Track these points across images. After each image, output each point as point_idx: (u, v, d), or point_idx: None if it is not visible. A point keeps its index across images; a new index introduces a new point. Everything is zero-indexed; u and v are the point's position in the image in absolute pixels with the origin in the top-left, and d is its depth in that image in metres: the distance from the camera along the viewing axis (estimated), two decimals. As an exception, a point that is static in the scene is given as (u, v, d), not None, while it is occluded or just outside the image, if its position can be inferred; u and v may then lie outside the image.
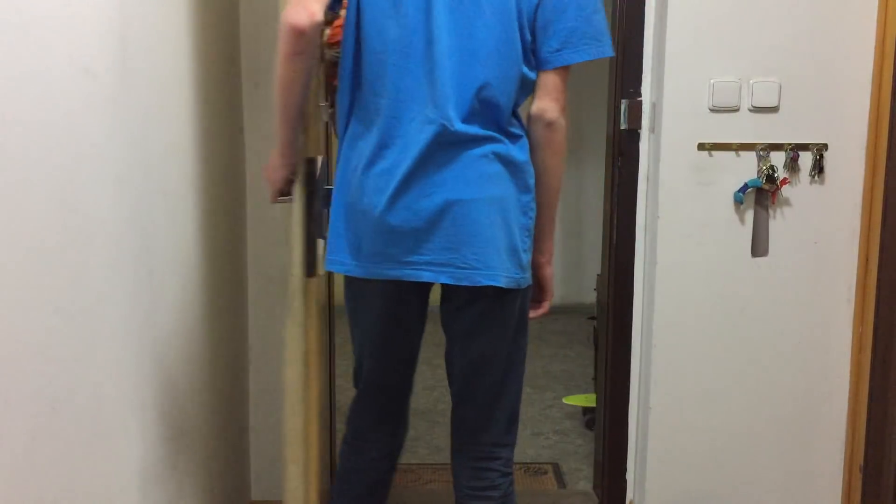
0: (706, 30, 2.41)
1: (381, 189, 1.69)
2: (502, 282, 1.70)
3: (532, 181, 1.76)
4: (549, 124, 1.73)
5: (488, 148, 1.70)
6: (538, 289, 1.90)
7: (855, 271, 2.52)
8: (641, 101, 2.53)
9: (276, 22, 1.64)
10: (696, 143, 2.45)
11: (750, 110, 2.43)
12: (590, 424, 3.42)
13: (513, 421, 1.87)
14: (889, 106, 2.36)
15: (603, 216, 2.75)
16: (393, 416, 1.95)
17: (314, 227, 1.75)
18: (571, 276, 4.96)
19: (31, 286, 1.24)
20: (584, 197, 4.81)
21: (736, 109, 2.43)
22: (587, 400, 3.56)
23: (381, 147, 1.70)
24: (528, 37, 1.70)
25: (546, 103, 1.73)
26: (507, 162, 1.72)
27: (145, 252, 1.72)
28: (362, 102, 1.74)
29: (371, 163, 1.71)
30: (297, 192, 1.72)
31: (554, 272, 1.93)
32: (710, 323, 2.54)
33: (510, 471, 1.88)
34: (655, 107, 2.49)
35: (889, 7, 2.35)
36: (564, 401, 3.70)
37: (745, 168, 2.46)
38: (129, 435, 1.63)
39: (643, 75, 2.52)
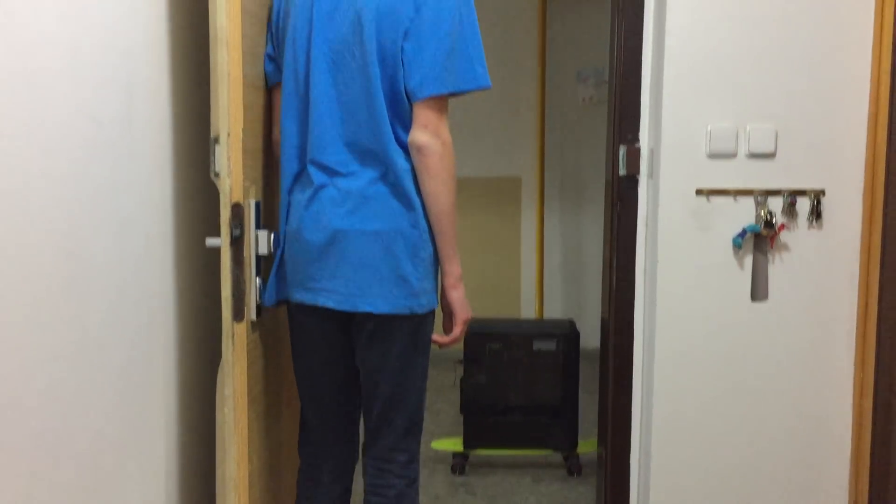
0: (702, 77, 2.44)
1: (284, 220, 1.95)
2: (383, 308, 1.84)
3: (425, 215, 1.87)
4: (419, 149, 1.83)
5: (369, 181, 1.85)
6: (445, 313, 2.00)
7: (855, 316, 2.52)
8: (639, 147, 2.56)
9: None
10: (695, 189, 2.47)
11: (747, 156, 2.46)
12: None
13: (411, 431, 2.00)
14: (885, 152, 2.39)
15: (603, 261, 2.76)
16: (339, 439, 2.06)
17: (242, 272, 1.76)
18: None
19: (32, 333, 1.24)
20: (585, 242, 4.84)
21: (733, 155, 2.46)
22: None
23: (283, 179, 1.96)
24: (398, 76, 1.82)
25: (416, 132, 1.83)
26: (390, 194, 1.85)
27: (145, 298, 1.72)
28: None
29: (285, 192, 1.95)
30: (223, 234, 1.73)
31: (463, 296, 1.98)
32: (711, 368, 2.54)
33: (408, 474, 2.00)
34: (653, 153, 2.52)
35: (882, 54, 2.39)
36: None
37: (744, 213, 2.47)
38: (130, 481, 1.62)
39: (641, 122, 2.56)
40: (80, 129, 1.41)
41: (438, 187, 1.84)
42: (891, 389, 2.41)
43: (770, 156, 2.46)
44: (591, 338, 4.09)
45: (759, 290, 2.51)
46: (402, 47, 1.80)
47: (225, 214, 1.71)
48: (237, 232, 1.73)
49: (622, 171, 2.58)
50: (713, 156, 2.45)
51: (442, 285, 1.97)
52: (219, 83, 1.69)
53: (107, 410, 1.51)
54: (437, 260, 1.91)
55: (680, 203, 2.48)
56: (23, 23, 1.24)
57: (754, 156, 2.45)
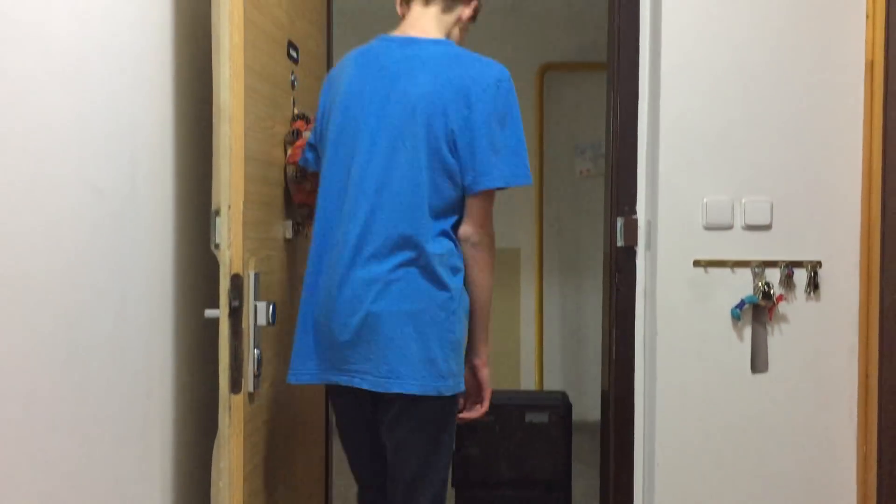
0: (697, 150, 2.48)
1: (311, 301, 1.98)
2: (412, 389, 1.87)
3: (455, 298, 1.92)
4: (474, 245, 1.95)
5: (401, 263, 1.88)
6: (475, 390, 2.05)
7: (856, 388, 2.51)
8: (637, 218, 2.58)
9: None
10: (692, 260, 2.48)
11: (743, 228, 2.48)
12: None
13: None
14: (880, 224, 2.41)
15: (602, 332, 2.76)
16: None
17: (240, 343, 1.76)
18: (572, 392, 4.91)
19: (32, 403, 1.24)
20: (584, 313, 4.83)
21: (729, 227, 2.48)
22: None
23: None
24: (450, 165, 1.90)
25: (470, 227, 1.95)
26: (421, 276, 1.89)
27: (143, 373, 1.72)
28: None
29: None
30: (222, 305, 1.74)
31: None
32: (712, 440, 2.51)
33: None
34: (651, 224, 2.54)
35: (873, 127, 2.43)
36: None
37: (741, 284, 2.48)
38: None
39: (637, 194, 2.59)
40: (84, 201, 1.43)
41: (485, 278, 1.96)
42: (894, 463, 2.38)
43: (766, 227, 2.48)
44: (591, 410, 4.05)
45: (759, 362, 2.50)
46: (454, 142, 1.88)
47: (224, 285, 1.72)
48: (236, 303, 1.74)
49: (620, 243, 2.59)
50: (710, 227, 2.48)
51: (473, 364, 2.02)
52: (221, 157, 1.72)
53: (103, 483, 1.50)
54: (463, 342, 1.96)
55: (678, 274, 2.49)
56: (29, 94, 1.26)
57: (750, 227, 2.48)
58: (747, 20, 2.47)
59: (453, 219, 1.94)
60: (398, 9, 2.04)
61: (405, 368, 1.87)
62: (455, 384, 1.93)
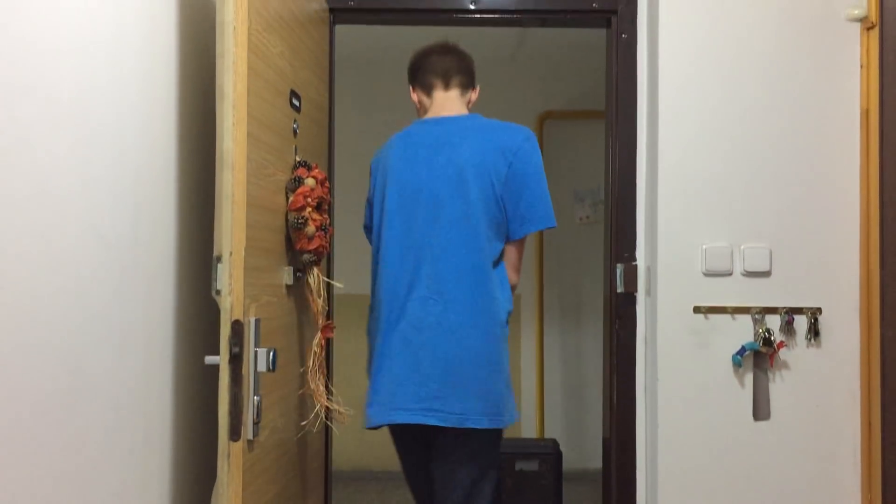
0: (696, 197, 2.50)
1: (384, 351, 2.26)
2: (482, 424, 2.18)
3: (505, 336, 2.27)
4: (513, 287, 2.34)
5: (470, 305, 2.21)
6: None
7: (859, 435, 2.49)
8: (637, 265, 2.59)
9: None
10: (692, 306, 2.48)
11: (743, 274, 2.49)
12: None
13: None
14: (879, 270, 2.41)
15: (603, 379, 2.75)
16: None
17: (240, 390, 1.75)
18: (573, 440, 4.88)
19: (31, 448, 1.24)
20: (585, 359, 4.81)
21: (729, 273, 2.49)
22: None
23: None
24: (498, 217, 2.26)
25: (511, 272, 2.32)
26: (488, 313, 2.22)
27: (143, 416, 1.71)
28: None
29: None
30: (223, 352, 1.73)
31: None
32: (715, 489, 2.49)
33: None
34: (650, 271, 2.55)
35: (870, 173, 2.45)
36: None
37: (742, 330, 2.48)
38: None
39: (637, 241, 2.60)
40: (88, 249, 1.44)
41: None
42: (900, 511, 2.36)
43: (765, 274, 2.49)
44: (593, 458, 4.02)
45: (760, 410, 2.49)
46: (501, 196, 2.24)
47: (225, 332, 1.72)
48: (236, 349, 1.74)
49: (620, 289, 2.60)
50: (709, 274, 2.48)
51: None
52: (223, 204, 1.73)
53: (98, 532, 1.48)
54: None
55: (678, 320, 2.49)
56: (36, 141, 1.28)
57: (750, 274, 2.48)
58: (743, 70, 2.50)
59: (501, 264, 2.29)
60: (415, 98, 2.43)
61: (481, 405, 2.22)
62: (510, 417, 2.28)
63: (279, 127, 2.06)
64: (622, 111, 2.63)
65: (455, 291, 2.19)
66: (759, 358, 2.49)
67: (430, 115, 2.38)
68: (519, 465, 3.36)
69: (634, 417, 2.58)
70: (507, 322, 2.29)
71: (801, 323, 2.49)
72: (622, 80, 2.64)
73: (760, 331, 2.47)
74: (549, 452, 3.39)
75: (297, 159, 2.18)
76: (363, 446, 4.31)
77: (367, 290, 2.41)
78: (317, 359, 2.19)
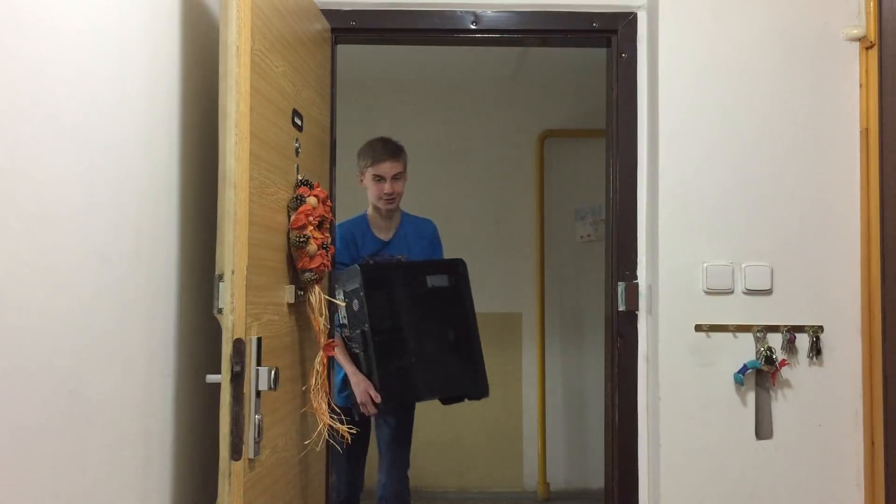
0: (696, 215, 2.50)
1: None
2: None
3: None
4: None
5: None
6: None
7: (862, 454, 2.48)
8: (638, 283, 2.59)
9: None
10: (693, 325, 2.48)
11: (744, 293, 2.49)
12: None
13: None
14: (880, 288, 2.42)
15: (605, 397, 2.75)
16: None
17: (241, 408, 1.75)
18: (575, 459, 4.86)
19: (30, 468, 1.23)
20: (586, 377, 4.80)
21: (730, 292, 2.49)
22: None
23: None
24: None
25: None
26: None
27: (144, 437, 1.71)
28: None
29: None
30: (224, 370, 1.73)
31: None
32: (718, 508, 2.47)
33: None
34: (651, 289, 2.55)
35: (870, 191, 2.46)
36: None
37: (744, 349, 2.48)
38: None
39: (638, 259, 2.60)
40: (90, 269, 1.44)
41: None
42: (904, 531, 2.34)
43: (767, 292, 2.49)
44: (595, 476, 4.00)
45: (763, 428, 2.48)
46: None
47: (226, 350, 1.72)
48: (238, 368, 1.73)
49: (621, 307, 2.60)
50: (710, 292, 2.48)
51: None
52: (225, 222, 1.74)
53: (99, 552, 1.48)
54: None
55: (679, 338, 2.48)
56: (38, 161, 1.29)
57: (751, 292, 2.48)
58: (743, 88, 2.51)
59: None
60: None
61: None
62: None
63: (281, 146, 2.07)
64: (623, 130, 2.64)
65: None
66: (761, 376, 2.48)
67: None
68: (431, 282, 3.10)
69: (636, 436, 2.58)
70: None
71: (802, 341, 2.49)
72: (623, 99, 2.65)
73: (762, 349, 2.46)
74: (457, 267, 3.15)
75: (299, 178, 2.19)
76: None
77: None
78: (319, 377, 2.19)
